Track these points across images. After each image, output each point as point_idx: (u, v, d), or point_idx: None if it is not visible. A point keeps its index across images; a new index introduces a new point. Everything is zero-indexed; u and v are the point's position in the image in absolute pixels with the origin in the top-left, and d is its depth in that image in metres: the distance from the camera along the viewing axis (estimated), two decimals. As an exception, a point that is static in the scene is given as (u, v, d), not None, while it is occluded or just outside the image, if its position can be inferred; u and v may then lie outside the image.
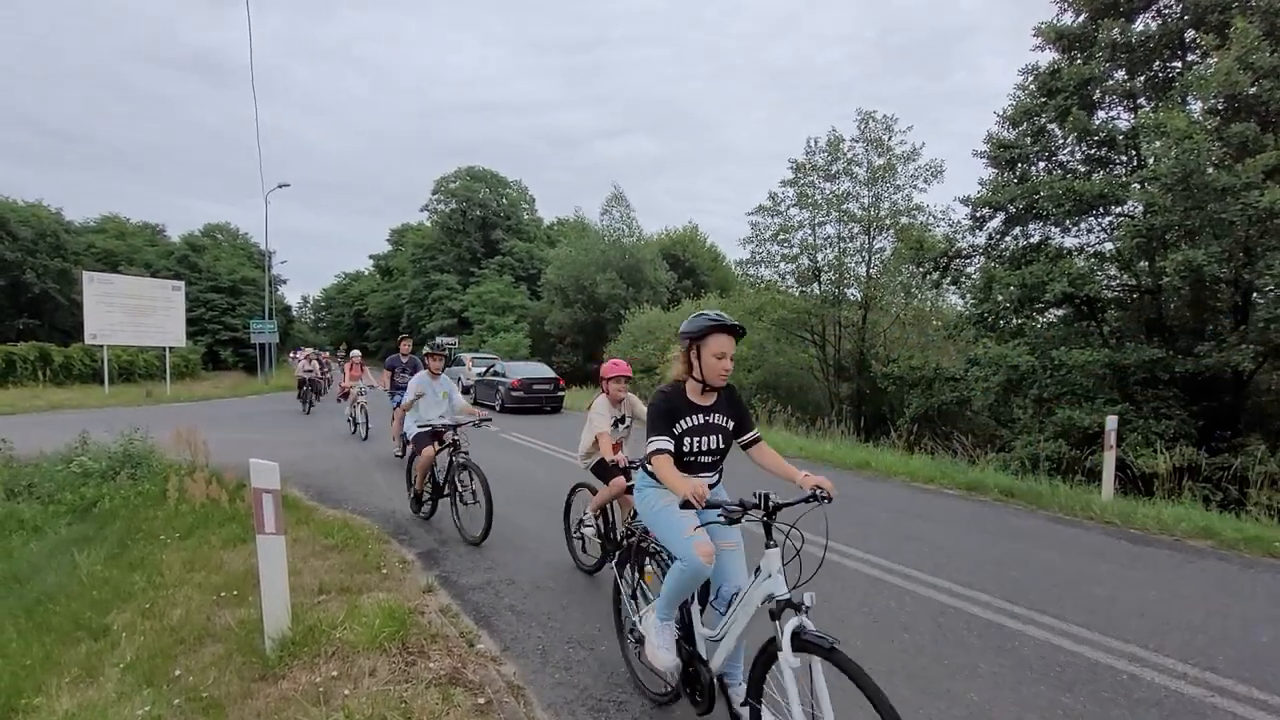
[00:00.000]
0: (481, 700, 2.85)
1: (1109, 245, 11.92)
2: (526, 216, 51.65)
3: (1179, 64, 11.64)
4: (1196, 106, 10.28)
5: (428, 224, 52.64)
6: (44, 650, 3.56)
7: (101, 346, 21.69)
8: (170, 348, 23.57)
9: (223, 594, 4.02)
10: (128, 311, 21.63)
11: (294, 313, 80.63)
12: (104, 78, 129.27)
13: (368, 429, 11.36)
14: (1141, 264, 10.81)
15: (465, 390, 20.83)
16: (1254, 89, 9.30)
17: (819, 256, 19.03)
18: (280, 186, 29.81)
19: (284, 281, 61.44)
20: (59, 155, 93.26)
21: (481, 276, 43.62)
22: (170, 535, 5.25)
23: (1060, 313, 12.65)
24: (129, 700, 2.85)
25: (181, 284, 24.64)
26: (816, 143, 18.68)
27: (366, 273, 72.51)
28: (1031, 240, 12.92)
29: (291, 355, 56.51)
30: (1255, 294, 9.85)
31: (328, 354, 38.42)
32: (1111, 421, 7.34)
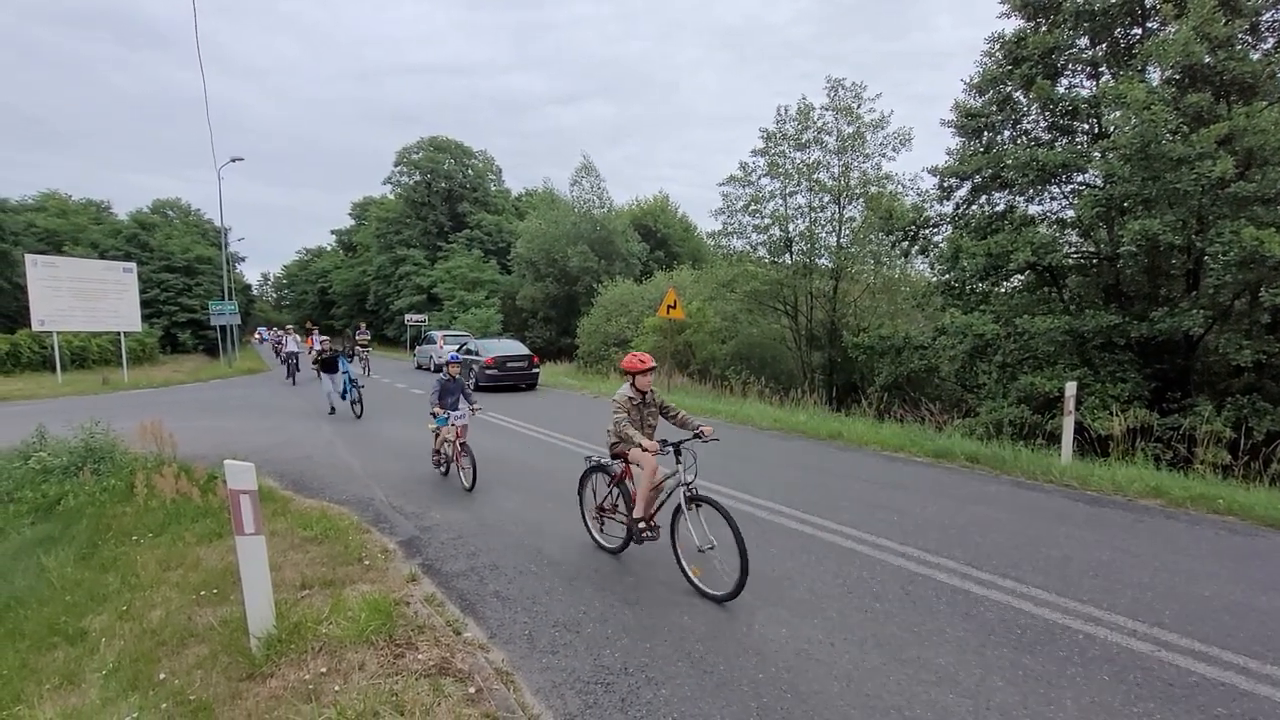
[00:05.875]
0: (471, 689, 2.91)
1: (1070, 212, 12.20)
2: (494, 188, 50.33)
3: (1139, 30, 11.80)
4: (1156, 76, 10.48)
5: (391, 197, 51.00)
6: (19, 658, 3.50)
7: (51, 333, 20.77)
8: (125, 332, 22.70)
9: (202, 593, 3.99)
10: (77, 295, 20.69)
11: (254, 291, 78.15)
12: (7, 40, 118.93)
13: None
14: (1101, 232, 11.11)
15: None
16: (1209, 59, 9.51)
17: (790, 227, 19.10)
18: (233, 160, 28.46)
19: (242, 259, 59.51)
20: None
21: (450, 251, 42.56)
22: (142, 533, 5.16)
23: (1023, 278, 12.98)
24: (114, 707, 2.84)
25: (133, 265, 23.52)
26: (787, 111, 18.61)
27: (329, 248, 70.29)
28: (997, 209, 13.16)
29: (257, 336, 54.73)
30: (1206, 260, 10.24)
31: (291, 329, 37.44)
32: (1071, 387, 7.62)
